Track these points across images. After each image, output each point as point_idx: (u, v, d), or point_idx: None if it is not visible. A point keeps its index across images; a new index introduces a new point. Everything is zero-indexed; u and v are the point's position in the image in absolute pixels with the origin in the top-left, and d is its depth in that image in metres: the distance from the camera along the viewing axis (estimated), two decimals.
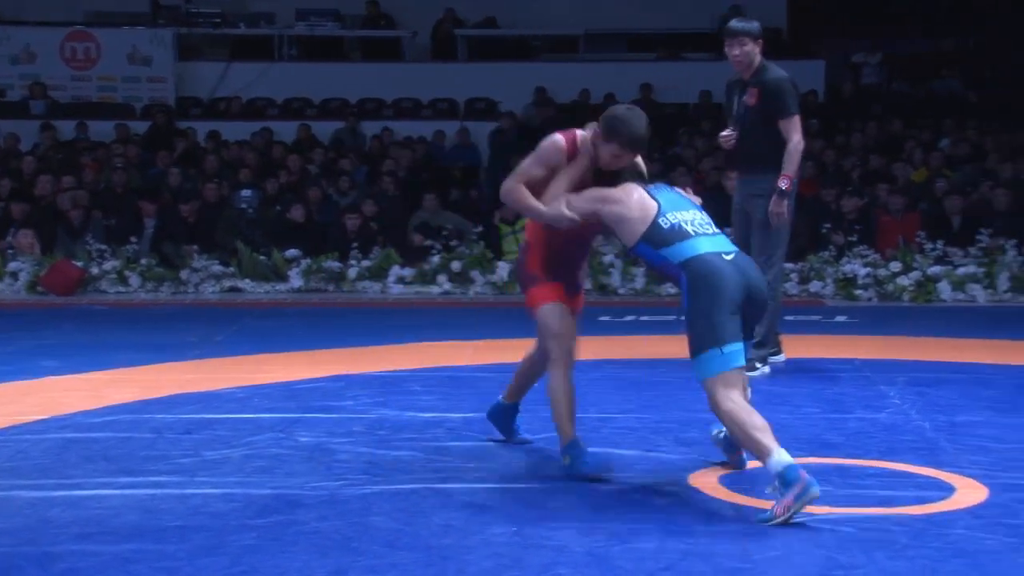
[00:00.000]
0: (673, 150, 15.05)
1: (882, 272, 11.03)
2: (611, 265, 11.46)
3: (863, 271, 11.06)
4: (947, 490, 4.63)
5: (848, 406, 6.22)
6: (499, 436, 5.47)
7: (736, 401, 4.41)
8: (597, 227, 4.94)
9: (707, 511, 4.39)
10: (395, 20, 18.61)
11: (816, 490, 4.15)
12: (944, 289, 10.86)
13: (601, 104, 16.63)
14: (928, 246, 11.23)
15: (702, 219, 4.69)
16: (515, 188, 4.89)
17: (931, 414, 5.98)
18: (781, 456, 4.25)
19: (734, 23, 7.38)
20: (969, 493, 4.58)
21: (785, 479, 4.20)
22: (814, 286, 11.10)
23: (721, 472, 4.92)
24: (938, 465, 4.99)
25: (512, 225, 12.44)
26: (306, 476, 4.89)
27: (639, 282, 11.33)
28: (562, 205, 4.77)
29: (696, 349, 4.50)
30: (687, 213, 4.68)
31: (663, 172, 13.61)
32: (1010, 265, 10.96)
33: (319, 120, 16.52)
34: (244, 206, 13.02)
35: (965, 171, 13.88)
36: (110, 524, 4.26)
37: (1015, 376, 7.07)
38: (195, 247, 11.87)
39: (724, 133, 7.32)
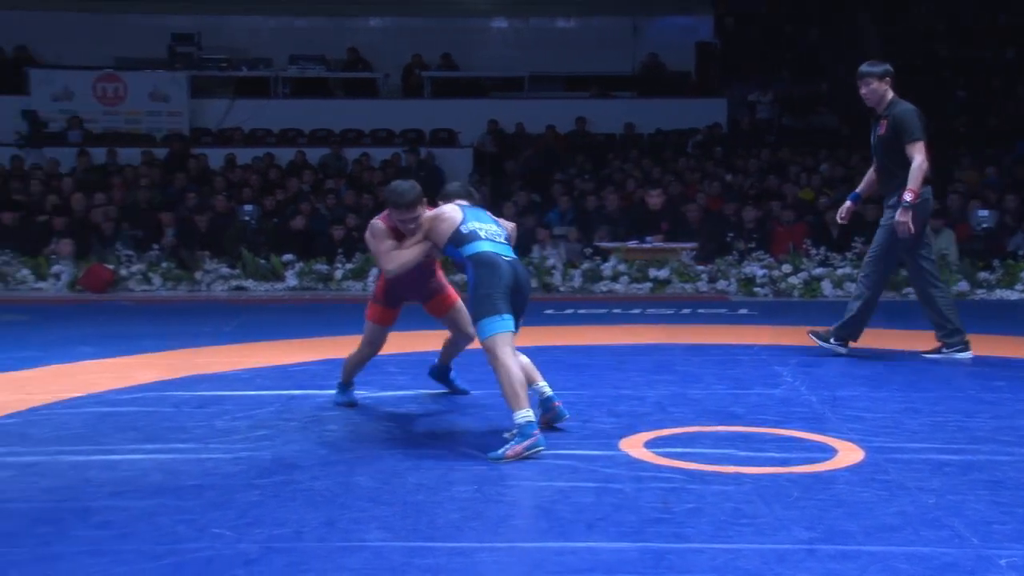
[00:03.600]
0: (604, 172, 15.08)
1: (776, 273, 11.10)
2: (553, 267, 11.45)
3: (761, 272, 11.11)
4: (830, 452, 4.65)
5: (749, 383, 6.22)
6: (442, 389, 5.86)
7: (508, 355, 4.65)
8: (432, 261, 5.36)
9: (634, 471, 4.37)
10: (371, 64, 18.58)
11: (542, 447, 4.47)
12: (827, 287, 10.93)
13: (542, 134, 16.75)
14: (813, 251, 11.31)
15: (495, 231, 4.98)
16: (390, 259, 5.18)
17: (817, 390, 6.01)
18: (528, 413, 4.53)
19: (862, 66, 6.96)
20: (848, 455, 4.60)
21: (524, 432, 4.48)
22: (721, 284, 11.15)
23: (645, 437, 4.92)
24: (823, 431, 5.02)
25: None
26: (301, 443, 4.85)
27: (576, 281, 11.32)
28: (415, 244, 5.14)
29: (478, 317, 4.77)
30: (484, 225, 4.99)
31: (595, 190, 13.65)
32: None
33: (309, 147, 16.45)
34: (247, 219, 12.96)
35: (841, 190, 13.99)
36: (138, 483, 4.21)
37: (885, 357, 7.11)
38: (207, 253, 11.78)
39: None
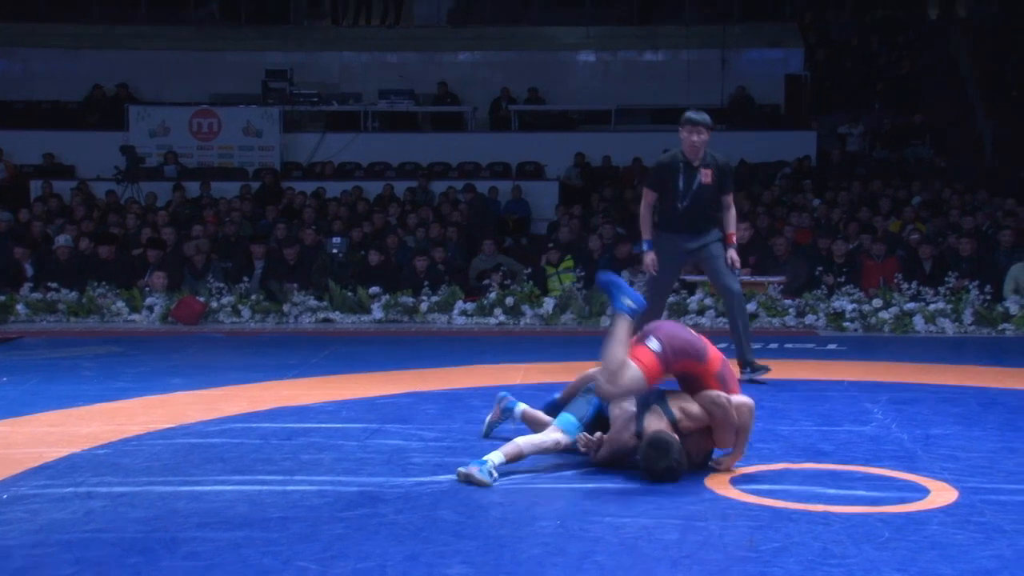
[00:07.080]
0: None
1: (866, 307, 10.89)
2: None
3: (850, 306, 10.91)
4: (923, 492, 4.55)
5: (838, 420, 6.11)
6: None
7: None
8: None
9: (720, 508, 4.33)
10: (459, 98, 18.76)
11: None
12: (918, 322, 10.69)
13: (629, 166, 16.72)
14: (904, 286, 11.08)
15: None
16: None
17: (908, 427, 5.87)
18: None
19: (695, 115, 7.33)
20: (942, 495, 4.49)
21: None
22: (809, 319, 10.97)
23: (731, 474, 4.85)
24: (915, 471, 4.90)
25: (556, 267, 12.42)
26: (386, 476, 4.88)
27: (661, 315, 11.22)
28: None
29: (570, 410, 5.20)
30: None
31: None
32: (973, 302, 10.79)
33: (396, 180, 16.66)
34: (335, 251, 13.12)
35: (933, 223, 13.73)
36: (225, 515, 4.28)
37: (978, 395, 6.93)
38: (295, 285, 11.94)
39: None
